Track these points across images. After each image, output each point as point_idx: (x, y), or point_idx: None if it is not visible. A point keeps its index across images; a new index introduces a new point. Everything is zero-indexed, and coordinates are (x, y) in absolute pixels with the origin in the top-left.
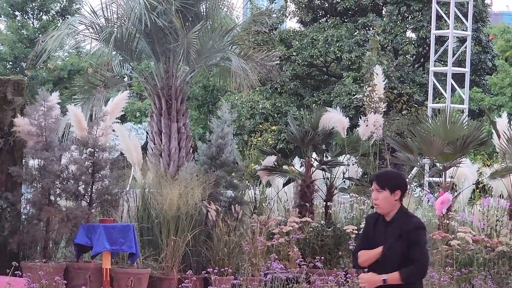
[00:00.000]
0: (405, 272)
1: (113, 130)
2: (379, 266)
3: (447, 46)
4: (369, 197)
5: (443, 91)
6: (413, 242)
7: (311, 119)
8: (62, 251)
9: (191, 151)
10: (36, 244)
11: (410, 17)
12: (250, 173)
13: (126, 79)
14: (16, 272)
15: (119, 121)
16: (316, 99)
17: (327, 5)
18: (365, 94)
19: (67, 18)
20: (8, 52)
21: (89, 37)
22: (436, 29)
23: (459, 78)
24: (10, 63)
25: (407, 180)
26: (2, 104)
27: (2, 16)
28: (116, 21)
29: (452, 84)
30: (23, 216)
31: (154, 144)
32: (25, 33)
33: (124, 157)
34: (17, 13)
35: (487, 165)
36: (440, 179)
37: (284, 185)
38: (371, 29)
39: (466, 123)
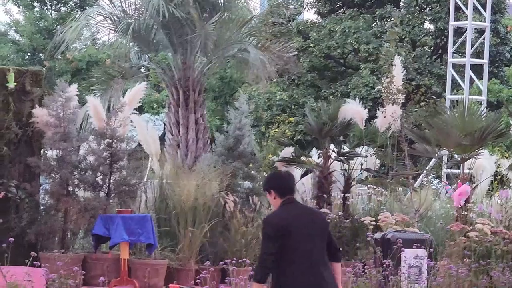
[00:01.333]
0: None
1: (131, 121)
2: None
3: (465, 37)
4: (387, 189)
5: (461, 83)
6: None
7: (328, 111)
8: (80, 241)
9: (208, 142)
10: (54, 235)
11: (428, 8)
12: (267, 164)
13: (143, 70)
14: (34, 262)
15: (136, 112)
16: (333, 91)
17: None
18: (383, 85)
19: (85, 9)
20: (26, 43)
21: (106, 28)
22: (454, 21)
23: (477, 70)
24: (29, 54)
25: (282, 179)
26: (20, 95)
27: (21, 7)
28: (133, 12)
29: (470, 75)
30: (41, 207)
31: (172, 135)
32: (43, 24)
33: (141, 148)
34: (35, 4)
35: (506, 156)
36: (458, 170)
37: (302, 176)
38: (388, 20)
39: (484, 114)
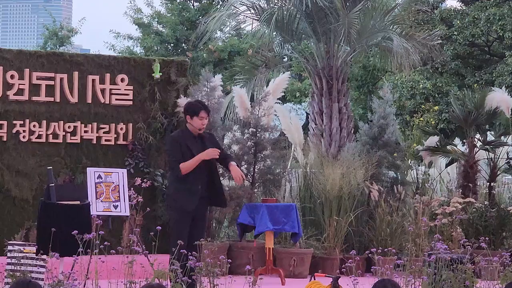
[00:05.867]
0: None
1: (275, 111)
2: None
3: None
4: None
5: None
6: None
7: (474, 99)
8: (225, 230)
9: (352, 132)
10: None
11: None
12: (412, 153)
13: (285, 59)
14: (181, 251)
15: (279, 101)
16: (477, 79)
17: None
18: None
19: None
20: (170, 34)
21: (250, 18)
22: None
23: None
24: (172, 44)
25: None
26: (165, 85)
27: None
28: (276, 1)
29: None
30: None
31: (316, 124)
32: (186, 15)
33: (285, 137)
34: None
35: None
36: None
37: (447, 165)
38: None
39: None
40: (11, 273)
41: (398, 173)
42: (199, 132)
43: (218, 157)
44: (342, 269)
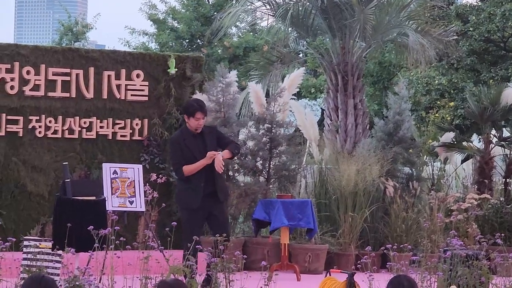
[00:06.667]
0: (232, 147)
1: (290, 107)
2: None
3: None
4: None
5: None
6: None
7: (490, 95)
8: (241, 226)
9: (367, 128)
10: None
11: None
12: (427, 149)
13: (301, 55)
14: (197, 246)
15: (294, 97)
16: (493, 75)
17: None
18: None
19: None
20: (185, 30)
21: (265, 14)
22: None
23: None
24: (187, 40)
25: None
26: (181, 80)
27: None
28: None
29: None
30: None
31: (331, 120)
32: (201, 10)
33: (300, 133)
34: None
35: None
36: None
37: (462, 161)
38: None
39: None
40: (27, 268)
41: (414, 169)
42: (196, 132)
43: (219, 156)
44: (358, 265)
